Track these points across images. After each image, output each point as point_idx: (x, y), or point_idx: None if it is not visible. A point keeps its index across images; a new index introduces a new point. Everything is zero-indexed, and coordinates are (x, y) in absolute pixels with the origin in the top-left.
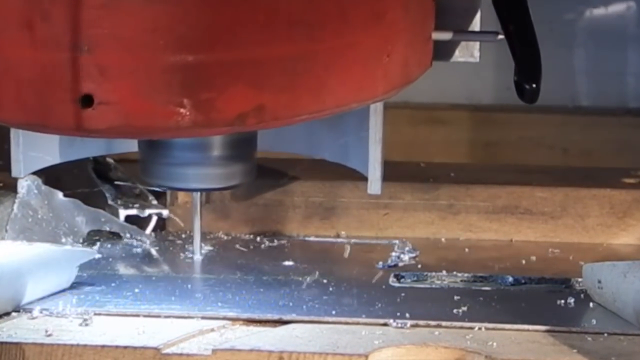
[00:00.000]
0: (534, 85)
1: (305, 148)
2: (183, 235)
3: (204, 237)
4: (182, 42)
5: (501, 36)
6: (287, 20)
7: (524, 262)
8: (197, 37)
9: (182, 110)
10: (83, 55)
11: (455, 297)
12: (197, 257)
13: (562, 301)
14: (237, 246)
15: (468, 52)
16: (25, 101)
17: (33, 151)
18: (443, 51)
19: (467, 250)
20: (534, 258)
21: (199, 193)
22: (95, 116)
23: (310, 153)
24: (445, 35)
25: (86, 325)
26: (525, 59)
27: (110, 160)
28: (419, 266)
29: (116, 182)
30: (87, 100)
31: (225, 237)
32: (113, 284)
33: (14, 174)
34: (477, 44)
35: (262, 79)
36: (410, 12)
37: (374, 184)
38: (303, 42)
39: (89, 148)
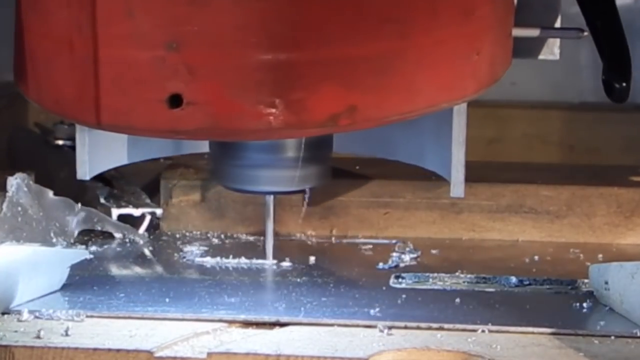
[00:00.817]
0: (624, 84)
1: (379, 149)
2: (178, 235)
3: (199, 238)
4: (274, 40)
5: (586, 33)
6: (377, 16)
7: (528, 262)
8: (288, 34)
9: (273, 110)
10: (171, 53)
11: (458, 299)
12: (270, 262)
13: (568, 303)
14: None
15: (548, 50)
16: (110, 102)
17: (99, 153)
18: (523, 49)
19: (469, 250)
20: (538, 258)
21: (272, 196)
22: (183, 117)
23: (384, 155)
24: (531, 32)
25: (77, 327)
26: (614, 57)
27: None
28: (421, 267)
29: (108, 180)
30: (176, 100)
31: (222, 237)
32: (105, 286)
33: (79, 176)
34: (558, 41)
35: (354, 78)
36: (497, 8)
37: (457, 187)
38: (393, 39)
39: (157, 148)
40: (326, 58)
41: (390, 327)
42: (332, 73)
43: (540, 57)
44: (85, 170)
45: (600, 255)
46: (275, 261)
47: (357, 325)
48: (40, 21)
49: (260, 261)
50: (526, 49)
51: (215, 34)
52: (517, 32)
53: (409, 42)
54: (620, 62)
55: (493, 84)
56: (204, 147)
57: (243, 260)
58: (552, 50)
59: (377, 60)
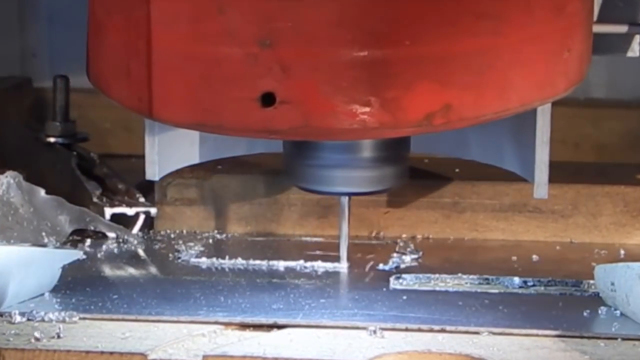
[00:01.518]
0: None
1: (454, 149)
2: (172, 235)
3: (194, 237)
4: (369, 36)
5: None
6: (473, 12)
7: (532, 263)
8: (384, 31)
9: (368, 109)
10: (264, 50)
11: (460, 301)
12: (344, 265)
13: (573, 304)
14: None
15: (628, 47)
16: (197, 100)
17: (168, 152)
18: (604, 45)
19: (472, 250)
20: (543, 259)
21: (347, 197)
22: (276, 116)
23: (459, 154)
24: (619, 29)
25: (70, 329)
26: None
27: (94, 155)
28: (422, 268)
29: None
30: (268, 99)
31: (217, 237)
32: (98, 287)
33: (148, 176)
34: (638, 37)
35: (449, 76)
36: (585, 4)
37: (540, 188)
38: (489, 35)
39: (231, 147)
40: (422, 55)
41: (390, 330)
42: (427, 71)
43: (619, 53)
44: (155, 170)
45: (606, 256)
46: (348, 264)
47: (357, 328)
48: (124, 19)
49: (334, 264)
50: (607, 47)
51: (309, 30)
52: (603, 28)
53: (504, 39)
54: None
55: (580, 81)
56: (279, 146)
57: (240, 260)
58: (632, 47)
59: (473, 57)
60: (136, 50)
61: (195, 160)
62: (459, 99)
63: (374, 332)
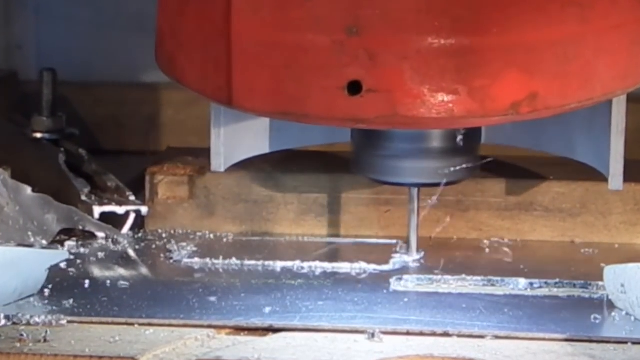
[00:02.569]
0: None
1: (527, 140)
2: (164, 235)
3: (187, 236)
4: (457, 24)
5: None
6: (559, 0)
7: (539, 264)
8: (472, 18)
9: (455, 98)
10: (352, 38)
11: (464, 303)
12: (414, 257)
13: (582, 307)
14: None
15: None
16: (282, 89)
17: (236, 143)
18: None
19: (477, 251)
20: (550, 260)
21: (416, 188)
22: (363, 105)
23: (531, 145)
24: None
25: (57, 333)
26: None
27: (83, 152)
28: (424, 269)
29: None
30: (355, 87)
31: (211, 236)
32: (87, 289)
33: (213, 168)
34: None
35: (535, 64)
36: None
37: (616, 179)
38: (574, 23)
39: (300, 137)
40: (509, 43)
41: (391, 334)
42: (514, 59)
43: None
44: (220, 162)
45: (616, 256)
46: (421, 255)
47: (356, 331)
48: (204, 3)
49: (404, 258)
50: None
51: (396, 17)
52: None
53: (589, 27)
54: None
55: None
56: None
57: (234, 261)
58: None
59: (559, 45)
60: (216, 38)
61: (265, 150)
62: (545, 87)
63: (374, 335)
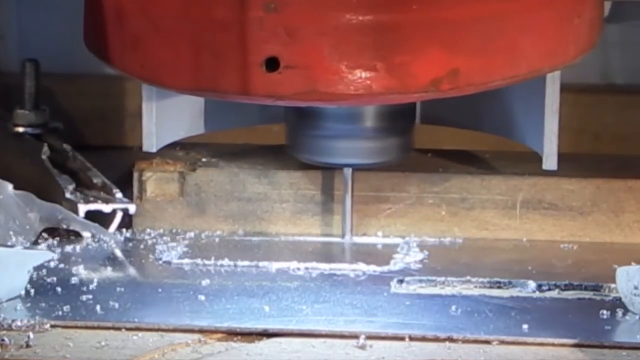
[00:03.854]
0: None
1: (463, 121)
2: (153, 234)
3: (177, 236)
4: (376, 0)
5: None
6: None
7: (548, 265)
8: None
9: (374, 74)
10: (270, 14)
11: (469, 306)
12: (348, 240)
13: (593, 310)
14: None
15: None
16: (201, 65)
17: (169, 123)
18: (618, 13)
19: (482, 251)
20: (560, 260)
21: (350, 169)
22: (280, 81)
23: (468, 126)
24: None
25: (40, 338)
26: None
27: (67, 147)
28: (427, 270)
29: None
30: (273, 64)
31: (202, 236)
32: (71, 291)
33: (145, 147)
34: None
35: (457, 41)
36: None
37: (550, 159)
38: (498, 0)
39: (235, 117)
40: (429, 19)
41: (392, 339)
42: (435, 35)
43: (637, 21)
44: (152, 142)
45: (629, 257)
46: (352, 239)
47: (355, 336)
48: None
49: (336, 239)
50: (620, 14)
51: None
52: None
53: (514, 4)
54: None
55: (591, 49)
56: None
57: (226, 262)
58: None
59: (481, 22)
60: (135, 14)
61: (200, 130)
62: (467, 64)
63: (370, 340)
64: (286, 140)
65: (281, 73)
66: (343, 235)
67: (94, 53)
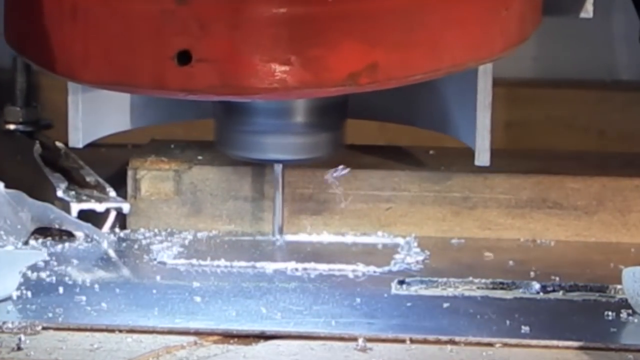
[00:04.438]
0: None
1: (398, 116)
2: (147, 234)
3: (172, 236)
4: None
5: None
6: None
7: (552, 265)
8: None
9: (288, 68)
10: (181, 7)
11: (471, 308)
12: (279, 240)
13: (599, 312)
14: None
15: (579, 6)
16: (113, 59)
17: (95, 118)
18: (553, 5)
19: (485, 251)
20: (564, 261)
21: (280, 165)
22: (192, 74)
23: (403, 121)
24: None
25: (32, 340)
26: None
27: (60, 145)
28: (428, 271)
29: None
30: (185, 57)
31: (198, 236)
32: (64, 292)
33: (71, 143)
34: None
35: (375, 34)
36: None
37: (482, 155)
38: None
39: (162, 113)
40: (346, 12)
41: (392, 341)
42: (351, 29)
43: (572, 15)
44: (79, 137)
45: (635, 258)
46: (282, 239)
47: (355, 338)
48: None
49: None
50: (557, 7)
51: None
52: None
53: None
54: None
55: (522, 42)
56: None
57: (223, 262)
58: (585, 7)
59: (402, 14)
60: (50, 7)
61: (127, 126)
62: (386, 58)
63: (370, 343)
64: (215, 136)
65: (193, 67)
66: (274, 234)
67: (14, 48)
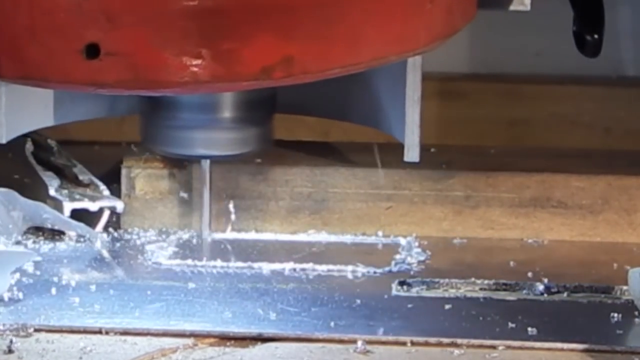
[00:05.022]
0: (595, 36)
1: (330, 111)
2: (142, 234)
3: (167, 236)
4: None
5: None
6: None
7: (557, 266)
8: None
9: (199, 62)
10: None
11: (473, 309)
12: (207, 238)
13: (604, 313)
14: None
15: (517, 0)
16: (23, 52)
17: (19, 113)
18: None
19: (487, 251)
20: (569, 261)
21: (207, 161)
22: (101, 68)
23: (335, 116)
24: None
25: (23, 343)
26: (586, 7)
27: (52, 142)
28: (429, 271)
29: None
30: (93, 50)
31: (193, 236)
32: (56, 293)
33: None
34: None
35: (291, 27)
36: None
37: (412, 151)
38: None
39: (89, 108)
40: (259, 4)
41: (393, 343)
42: (265, 21)
43: (509, 8)
44: (2, 133)
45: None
46: (210, 237)
47: (354, 341)
48: None
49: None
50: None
51: None
52: None
53: None
54: (592, 12)
55: (451, 36)
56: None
57: (219, 263)
58: (521, 0)
59: (318, 6)
60: None
61: (50, 122)
62: (302, 51)
63: (370, 345)
64: (140, 132)
65: (102, 60)
66: (201, 233)
67: None
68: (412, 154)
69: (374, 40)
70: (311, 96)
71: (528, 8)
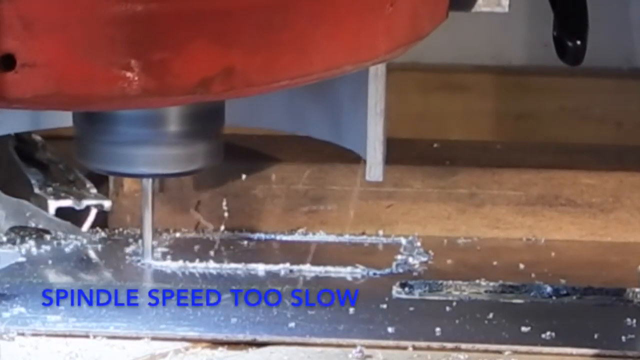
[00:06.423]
0: (578, 42)
1: (287, 123)
2: (131, 233)
3: (157, 236)
4: None
5: None
6: None
7: (565, 267)
8: None
9: (128, 74)
10: (3, 3)
11: (478, 313)
12: (148, 261)
13: (615, 317)
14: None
15: (494, 0)
16: None
17: None
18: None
19: (493, 252)
20: (578, 262)
21: (150, 180)
22: (17, 81)
23: (293, 129)
24: None
25: (6, 347)
26: (567, 9)
27: (37, 137)
28: (432, 273)
29: (44, 165)
30: (8, 62)
31: (185, 235)
32: (41, 296)
33: None
34: None
35: (231, 35)
36: None
37: (374, 169)
38: None
39: (12, 122)
40: (196, 10)
41: (394, 348)
42: (202, 28)
43: (484, 9)
44: None
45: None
46: (152, 261)
47: (353, 345)
48: None
49: (138, 259)
50: (467, 1)
51: None
52: None
53: None
54: (574, 16)
55: (416, 42)
56: (68, 120)
57: (212, 264)
58: (499, 1)
59: (263, 12)
60: None
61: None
62: (245, 61)
63: (370, 350)
64: (75, 148)
65: (18, 72)
66: (143, 257)
67: None
68: (374, 172)
69: (326, 48)
70: (264, 106)
71: (506, 10)
